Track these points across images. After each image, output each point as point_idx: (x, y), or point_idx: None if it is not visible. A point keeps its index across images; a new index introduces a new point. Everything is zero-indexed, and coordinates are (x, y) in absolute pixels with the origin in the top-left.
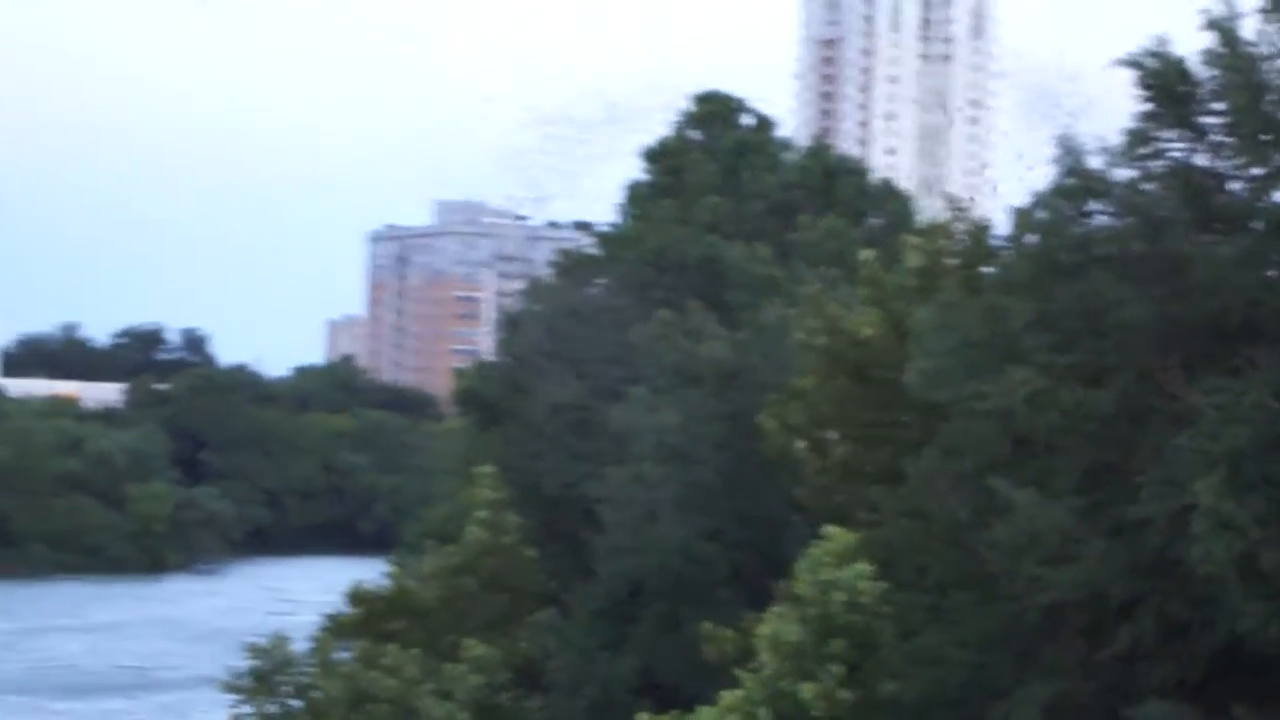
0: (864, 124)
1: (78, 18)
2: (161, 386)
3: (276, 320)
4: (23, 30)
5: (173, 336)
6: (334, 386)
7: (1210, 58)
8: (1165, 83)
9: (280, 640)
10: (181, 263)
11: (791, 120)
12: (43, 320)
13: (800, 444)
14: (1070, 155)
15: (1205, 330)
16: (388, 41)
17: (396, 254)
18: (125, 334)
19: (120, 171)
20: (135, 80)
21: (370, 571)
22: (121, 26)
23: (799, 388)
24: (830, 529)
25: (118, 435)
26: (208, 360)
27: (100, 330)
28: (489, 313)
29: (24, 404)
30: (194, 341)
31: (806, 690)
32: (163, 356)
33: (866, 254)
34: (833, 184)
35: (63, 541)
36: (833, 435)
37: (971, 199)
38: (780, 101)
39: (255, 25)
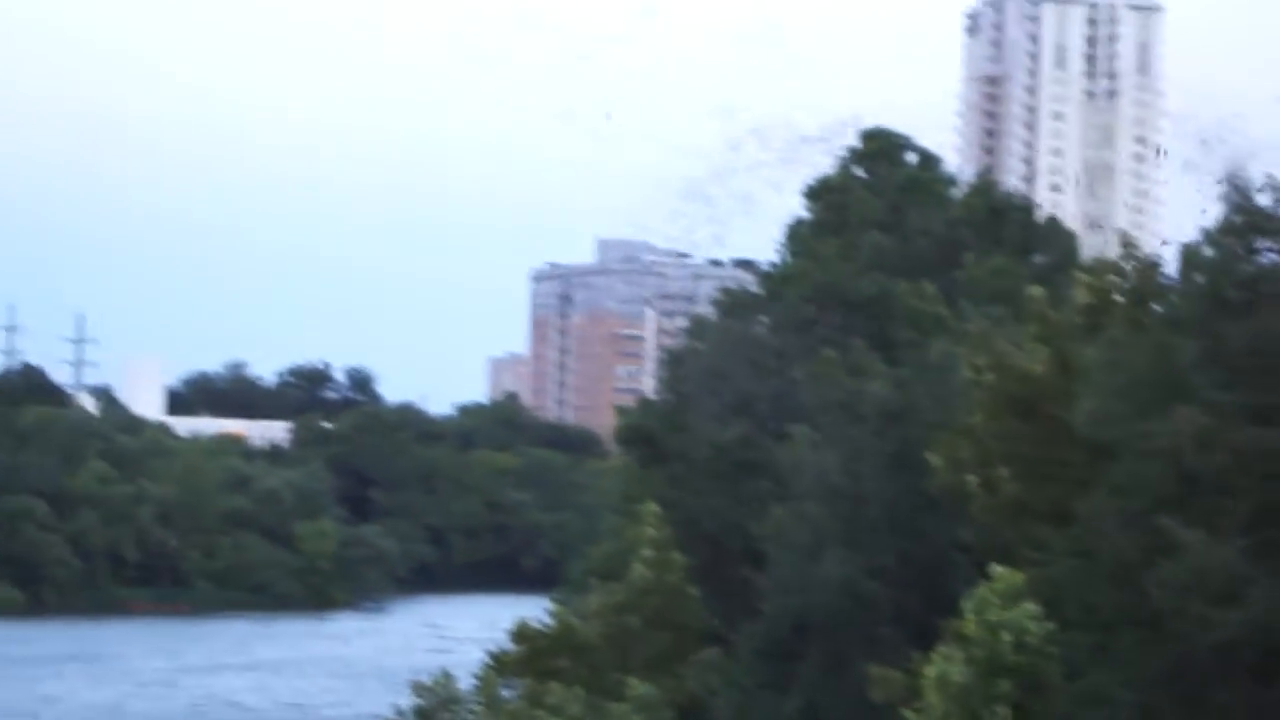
0: (1028, 161)
1: (240, 47)
2: (327, 425)
3: (441, 358)
4: (202, 69)
5: (339, 375)
6: (498, 424)
7: None
8: None
9: (445, 678)
10: (347, 301)
11: (954, 157)
12: (210, 359)
13: (971, 479)
14: (1238, 192)
15: None
16: (551, 80)
17: (559, 292)
18: (292, 373)
19: (287, 212)
20: (303, 123)
21: (534, 609)
22: (298, 60)
23: (967, 425)
24: (997, 569)
25: (284, 473)
26: (373, 398)
27: (267, 369)
28: (651, 351)
29: (192, 442)
30: (360, 380)
31: None
32: (329, 395)
33: (1035, 291)
34: (999, 221)
35: (230, 579)
36: (1003, 472)
37: (1139, 236)
38: (942, 138)
39: (415, 62)
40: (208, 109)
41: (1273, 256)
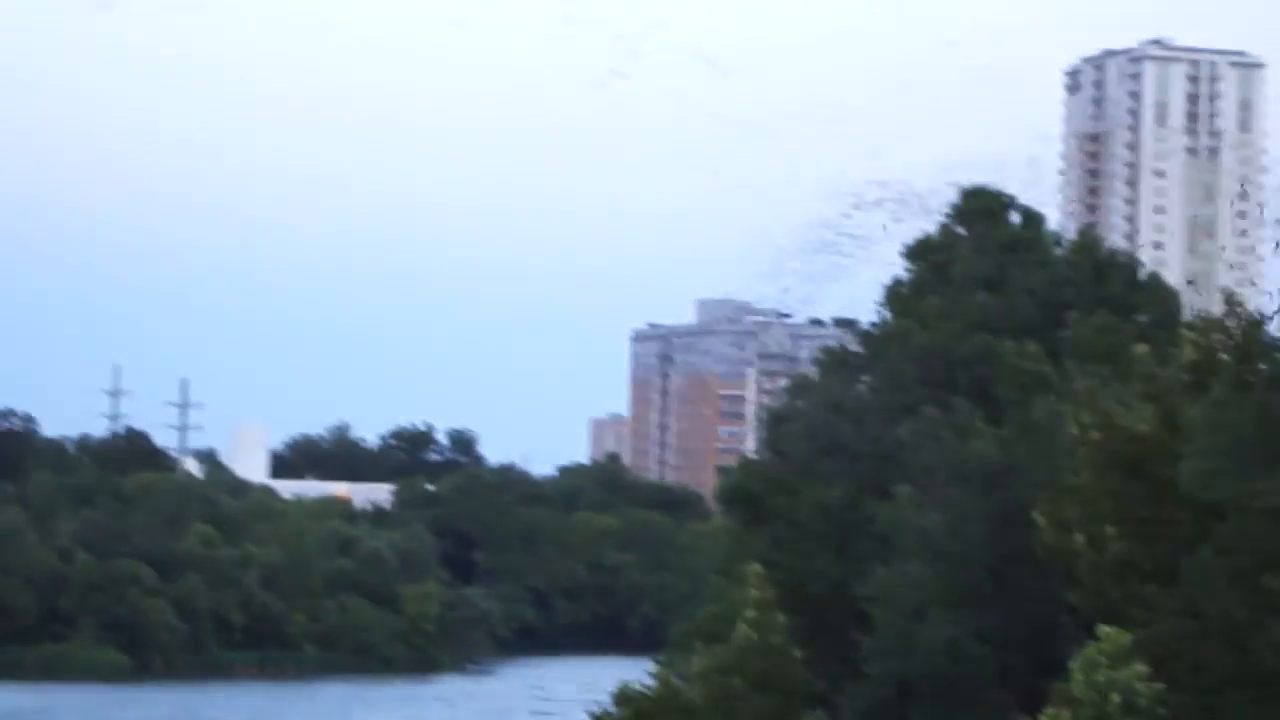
0: (1130, 218)
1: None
2: (430, 486)
3: (542, 419)
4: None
5: (441, 437)
6: (599, 485)
7: None
8: None
9: None
10: (449, 364)
11: (1056, 214)
12: (314, 422)
13: (1077, 538)
14: None
15: None
16: (651, 141)
17: (660, 352)
18: (394, 435)
19: (388, 276)
20: (402, 188)
21: (637, 671)
22: (396, 129)
23: (1072, 484)
24: (1105, 629)
25: (387, 535)
26: (475, 460)
27: (370, 431)
28: (753, 411)
29: (296, 505)
30: (462, 442)
31: None
32: (431, 456)
33: (1140, 349)
34: (1102, 279)
35: (334, 641)
36: (1109, 531)
37: (1244, 294)
38: (1044, 196)
39: (513, 125)
40: (308, 182)
41: None
